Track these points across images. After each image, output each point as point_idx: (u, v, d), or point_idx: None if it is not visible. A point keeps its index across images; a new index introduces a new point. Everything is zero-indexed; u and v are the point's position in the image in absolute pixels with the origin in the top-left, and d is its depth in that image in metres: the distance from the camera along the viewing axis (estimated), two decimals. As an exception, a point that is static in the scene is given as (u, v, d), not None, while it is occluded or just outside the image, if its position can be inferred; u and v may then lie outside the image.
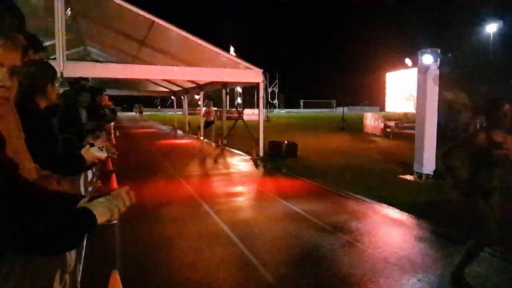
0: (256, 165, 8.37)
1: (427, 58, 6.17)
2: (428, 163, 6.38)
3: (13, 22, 0.78)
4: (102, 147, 1.72)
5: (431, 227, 4.05)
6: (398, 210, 4.62)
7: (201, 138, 14.54)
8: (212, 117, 12.43)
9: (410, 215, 4.42)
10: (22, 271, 0.99)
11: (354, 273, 2.94)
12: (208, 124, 12.38)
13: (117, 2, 7.40)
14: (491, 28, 21.94)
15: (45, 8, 7.26)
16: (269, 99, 47.49)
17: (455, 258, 2.91)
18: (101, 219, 0.91)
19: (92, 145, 1.71)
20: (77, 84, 4.06)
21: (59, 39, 6.64)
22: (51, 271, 1.33)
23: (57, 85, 1.83)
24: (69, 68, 6.72)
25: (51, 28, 6.77)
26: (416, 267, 3.04)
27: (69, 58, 7.59)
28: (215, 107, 13.46)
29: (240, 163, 8.80)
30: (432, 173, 6.36)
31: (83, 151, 1.65)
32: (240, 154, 10.06)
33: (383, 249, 3.43)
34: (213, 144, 12.20)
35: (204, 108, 13.68)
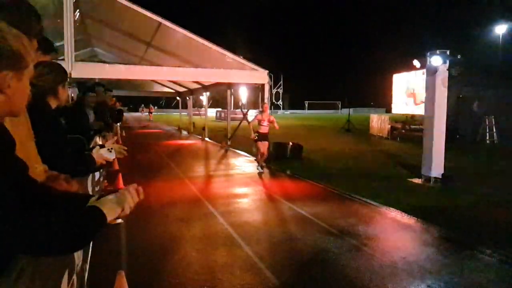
0: (261, 167, 8.34)
1: (436, 60, 6.10)
2: (436, 166, 6.29)
3: (41, 26, 0.80)
4: (111, 148, 1.73)
5: (440, 231, 3.99)
6: (406, 214, 4.56)
7: (206, 139, 14.57)
8: (268, 128, 7.43)
9: (419, 219, 4.36)
10: (32, 272, 0.99)
11: (362, 278, 2.90)
12: (262, 137, 7.42)
13: (125, 3, 7.47)
14: (501, 29, 21.64)
15: (54, 9, 7.35)
16: (274, 100, 47.43)
17: (465, 264, 2.86)
18: (110, 215, 0.91)
19: (102, 146, 1.71)
20: (91, 88, 4.13)
21: (68, 40, 6.71)
22: (60, 272, 1.33)
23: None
24: (77, 69, 6.78)
25: (60, 29, 6.84)
26: (425, 273, 2.99)
27: (77, 59, 7.67)
28: (218, 107, 11.91)
29: (244, 164, 8.79)
30: (440, 177, 6.28)
31: (93, 153, 1.65)
32: (245, 155, 10.05)
33: (391, 253, 3.38)
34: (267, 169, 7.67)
35: (251, 112, 9.08)
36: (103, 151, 1.70)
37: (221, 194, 5.85)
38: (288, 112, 53.44)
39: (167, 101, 49.51)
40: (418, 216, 4.43)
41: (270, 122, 7.43)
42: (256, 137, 7.45)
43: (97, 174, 4.06)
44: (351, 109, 22.20)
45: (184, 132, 18.56)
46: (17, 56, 0.80)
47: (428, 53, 6.22)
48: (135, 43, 11.07)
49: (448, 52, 6.15)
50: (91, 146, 2.49)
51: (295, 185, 6.43)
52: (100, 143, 2.60)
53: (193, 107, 20.17)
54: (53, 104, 1.63)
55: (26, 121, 1.18)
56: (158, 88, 18.98)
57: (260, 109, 7.75)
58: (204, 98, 18.06)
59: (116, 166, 6.57)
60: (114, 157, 1.75)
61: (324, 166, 8.17)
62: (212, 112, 31.97)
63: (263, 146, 7.46)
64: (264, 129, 7.44)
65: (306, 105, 60.59)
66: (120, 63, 11.36)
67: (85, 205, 0.97)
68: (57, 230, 0.81)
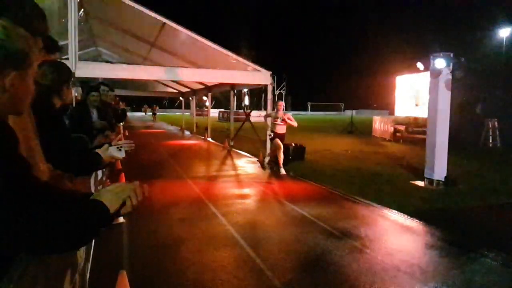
0: (263, 168, 8.34)
1: (439, 62, 6.07)
2: (439, 169, 6.26)
3: (46, 25, 0.80)
4: (121, 147, 1.68)
5: (443, 234, 3.96)
6: (409, 217, 4.53)
7: (208, 139, 14.59)
8: (284, 128, 7.10)
9: (421, 222, 4.33)
10: (35, 271, 0.99)
11: (364, 280, 2.88)
12: (279, 137, 7.14)
13: (129, 3, 7.49)
14: (505, 32, 21.51)
15: (59, 8, 7.39)
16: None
17: (468, 267, 2.84)
18: (112, 206, 0.90)
19: (110, 144, 1.70)
20: (96, 87, 4.15)
21: (72, 40, 6.74)
22: (62, 271, 1.33)
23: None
24: (81, 68, 6.81)
25: (64, 28, 6.88)
26: (428, 276, 2.97)
27: (81, 59, 7.71)
28: (221, 108, 11.97)
29: (246, 165, 8.79)
30: (443, 179, 6.24)
31: (101, 151, 1.64)
32: (247, 156, 10.04)
33: (393, 256, 3.36)
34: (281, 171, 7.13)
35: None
36: (113, 149, 1.66)
37: (223, 194, 5.85)
38: (291, 113, 53.12)
39: (170, 101, 49.63)
40: (420, 219, 4.41)
41: (285, 120, 6.98)
42: (271, 135, 7.20)
43: (99, 173, 4.08)
44: (354, 111, 22.18)
45: (187, 132, 18.59)
46: (21, 55, 0.81)
47: (432, 56, 6.20)
48: (139, 43, 11.10)
49: (451, 55, 6.13)
50: (94, 145, 2.49)
51: (297, 186, 6.42)
52: (103, 142, 2.60)
53: (196, 107, 20.22)
54: (57, 103, 1.64)
55: (30, 120, 1.19)
56: (161, 88, 19.03)
57: (275, 108, 7.45)
58: (207, 98, 18.11)
59: (119, 166, 6.59)
60: (124, 156, 1.70)
61: (327, 167, 8.15)
62: (214, 113, 31.99)
63: (280, 143, 7.00)
64: (279, 129, 7.03)
65: (309, 106, 60.53)
66: (123, 63, 11.41)
67: (86, 201, 0.97)
68: (60, 227, 0.81)
